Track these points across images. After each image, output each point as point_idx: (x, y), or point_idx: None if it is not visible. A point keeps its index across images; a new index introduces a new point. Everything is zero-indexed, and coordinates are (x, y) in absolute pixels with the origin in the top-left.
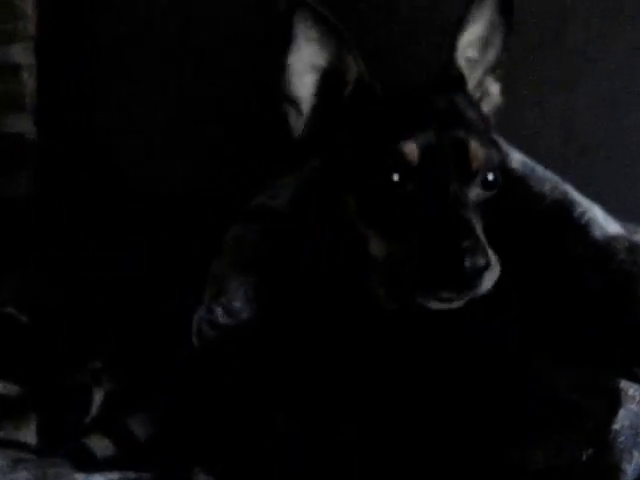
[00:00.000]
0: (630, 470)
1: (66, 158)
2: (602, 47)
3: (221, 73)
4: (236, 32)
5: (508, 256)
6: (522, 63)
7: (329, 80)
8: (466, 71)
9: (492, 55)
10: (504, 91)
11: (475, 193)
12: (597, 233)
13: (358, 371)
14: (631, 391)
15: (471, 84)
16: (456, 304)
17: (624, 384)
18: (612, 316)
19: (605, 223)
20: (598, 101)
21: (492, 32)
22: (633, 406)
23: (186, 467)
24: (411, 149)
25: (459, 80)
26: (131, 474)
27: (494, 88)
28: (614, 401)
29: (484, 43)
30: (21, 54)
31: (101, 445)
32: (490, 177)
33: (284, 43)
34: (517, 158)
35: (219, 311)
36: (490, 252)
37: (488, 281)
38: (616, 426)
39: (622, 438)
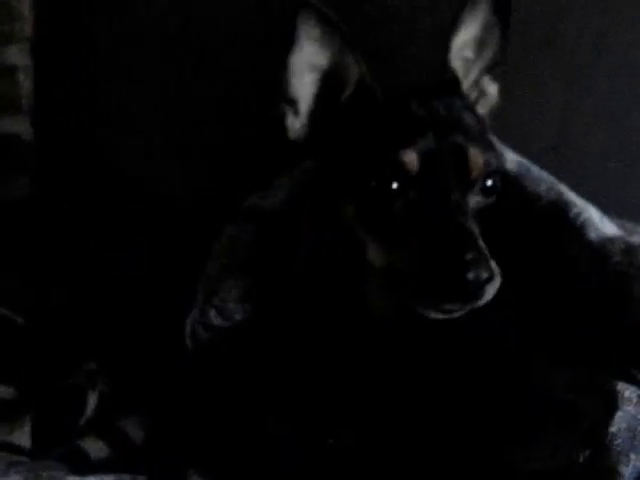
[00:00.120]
0: (628, 473)
1: (63, 159)
2: (599, 47)
3: (221, 73)
4: (236, 32)
5: (504, 257)
6: (518, 63)
7: (329, 81)
8: (462, 71)
9: (488, 55)
10: (501, 91)
11: (475, 200)
12: (592, 234)
13: (353, 372)
14: (627, 393)
15: (468, 84)
16: (457, 314)
17: (621, 386)
18: (608, 317)
19: (601, 224)
20: (595, 101)
21: (488, 32)
22: (630, 408)
23: (180, 469)
24: (411, 158)
25: (454, 83)
26: (125, 476)
27: (492, 88)
28: (610, 403)
29: (480, 43)
30: (17, 55)
31: (95, 447)
32: (489, 183)
33: (286, 43)
34: (512, 158)
35: (212, 312)
36: (492, 263)
37: (490, 292)
38: (613, 428)
39: (619, 440)
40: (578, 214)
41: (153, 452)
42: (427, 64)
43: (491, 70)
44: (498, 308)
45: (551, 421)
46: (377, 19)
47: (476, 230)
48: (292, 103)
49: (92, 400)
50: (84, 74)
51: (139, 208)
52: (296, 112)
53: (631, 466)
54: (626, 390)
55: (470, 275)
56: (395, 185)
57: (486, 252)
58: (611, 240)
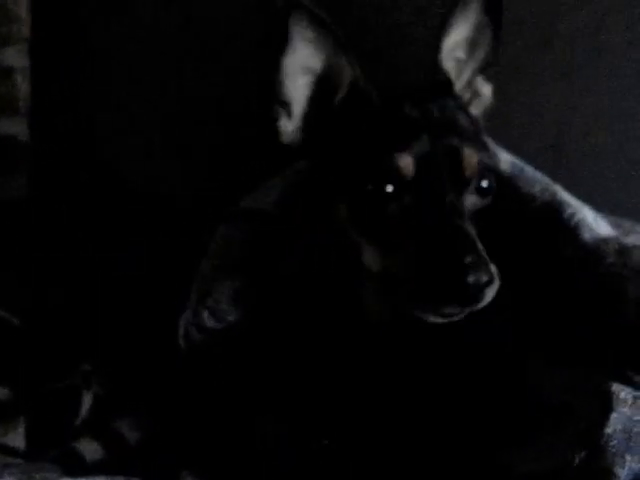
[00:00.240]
0: (623, 475)
1: (60, 160)
2: (597, 47)
3: (221, 73)
4: (236, 32)
5: (500, 258)
6: (516, 63)
7: (322, 83)
8: (454, 72)
9: (481, 55)
10: (496, 92)
11: (471, 202)
12: (587, 235)
13: (348, 374)
14: (623, 394)
15: (461, 85)
16: (456, 318)
17: (616, 387)
18: (603, 318)
19: (595, 224)
20: (593, 101)
21: (479, 33)
22: (625, 409)
23: (175, 470)
24: (406, 162)
25: (447, 84)
26: (120, 478)
27: (485, 89)
28: (606, 404)
29: (471, 44)
30: (15, 57)
31: (90, 448)
32: (484, 184)
33: (279, 44)
34: (506, 159)
35: (205, 314)
36: (491, 266)
37: (489, 295)
38: (608, 430)
39: (614, 442)
40: (572, 215)
41: (148, 453)
42: (426, 65)
43: (484, 71)
44: (495, 310)
45: (546, 422)
46: (378, 19)
47: (473, 232)
48: (285, 105)
49: (87, 401)
50: (83, 74)
51: (139, 208)
52: (289, 115)
53: (627, 468)
54: (621, 391)
55: (470, 279)
56: (390, 189)
57: (485, 255)
58: (605, 241)
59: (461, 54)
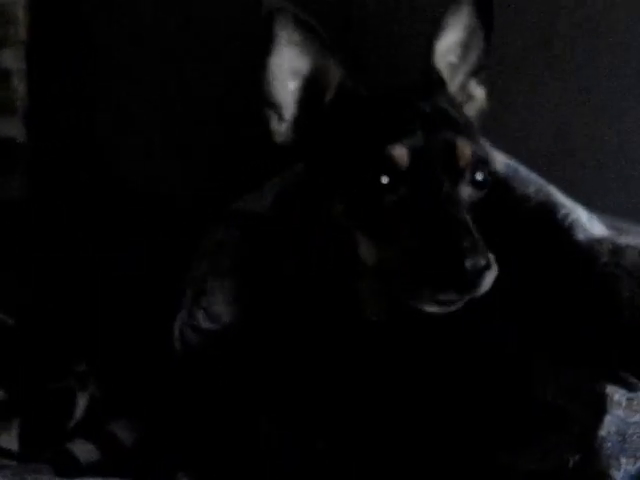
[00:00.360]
0: (619, 477)
1: (58, 161)
2: (596, 48)
3: (221, 73)
4: (236, 32)
5: (495, 256)
6: (514, 64)
7: (311, 85)
8: (448, 76)
9: (473, 59)
10: (490, 94)
11: (467, 193)
12: (580, 235)
13: (346, 374)
14: (617, 397)
15: (454, 88)
16: (454, 307)
17: (610, 389)
18: (598, 318)
19: (589, 225)
20: (592, 102)
21: (471, 36)
22: (619, 412)
23: (170, 472)
24: (401, 153)
25: (439, 83)
26: None
27: (478, 92)
28: (600, 407)
29: (464, 47)
30: (12, 59)
31: (85, 450)
32: (479, 177)
33: (266, 47)
34: (500, 160)
35: (201, 315)
36: (488, 252)
37: (488, 281)
38: (602, 432)
39: (609, 444)
40: (566, 215)
41: (143, 455)
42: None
43: (477, 74)
44: (496, 308)
45: (540, 424)
46: (378, 19)
47: (470, 221)
48: (275, 107)
49: (82, 402)
50: (83, 75)
51: (139, 208)
52: (280, 116)
53: (622, 470)
54: (615, 393)
55: (467, 263)
56: (385, 180)
57: (482, 241)
58: (599, 241)
59: (453, 58)
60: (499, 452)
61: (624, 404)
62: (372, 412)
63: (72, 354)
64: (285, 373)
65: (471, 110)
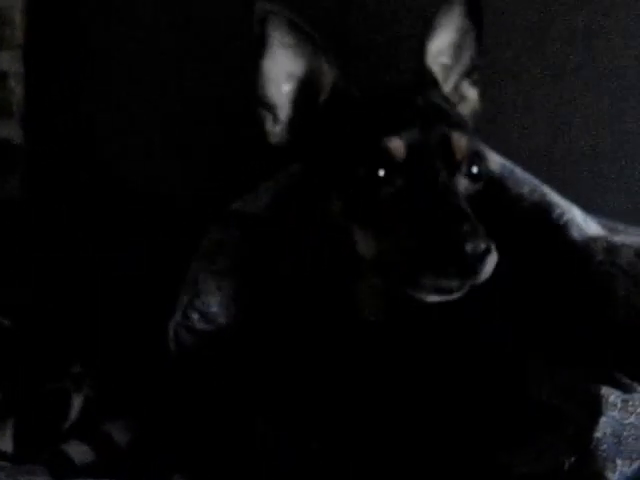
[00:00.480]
0: (615, 479)
1: (56, 162)
2: (589, 49)
3: (221, 73)
4: (236, 32)
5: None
6: (509, 66)
7: (305, 87)
8: (441, 76)
9: (466, 60)
10: (484, 95)
11: (463, 185)
12: (575, 234)
13: (342, 375)
14: (612, 398)
15: (447, 89)
16: (455, 295)
17: (605, 391)
18: (592, 317)
19: (584, 224)
20: (586, 103)
21: (463, 37)
22: (615, 413)
23: (165, 473)
24: (397, 145)
25: (433, 83)
26: None
27: (471, 93)
28: (595, 408)
29: (456, 48)
30: (9, 61)
31: (80, 451)
32: (475, 170)
33: (259, 50)
34: (495, 160)
35: (196, 316)
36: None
37: (489, 267)
38: (598, 434)
39: (604, 446)
40: (561, 214)
41: (138, 456)
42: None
43: (469, 75)
44: (494, 308)
45: (535, 425)
46: (380, 19)
47: (468, 208)
48: (270, 108)
49: (77, 403)
50: (82, 75)
51: (139, 208)
52: (275, 118)
53: (618, 472)
54: (611, 395)
55: (468, 246)
56: (382, 172)
57: (482, 227)
58: (594, 239)
59: (446, 60)
60: (498, 452)
61: (619, 405)
62: (369, 412)
63: (67, 355)
64: (281, 373)
65: (464, 110)
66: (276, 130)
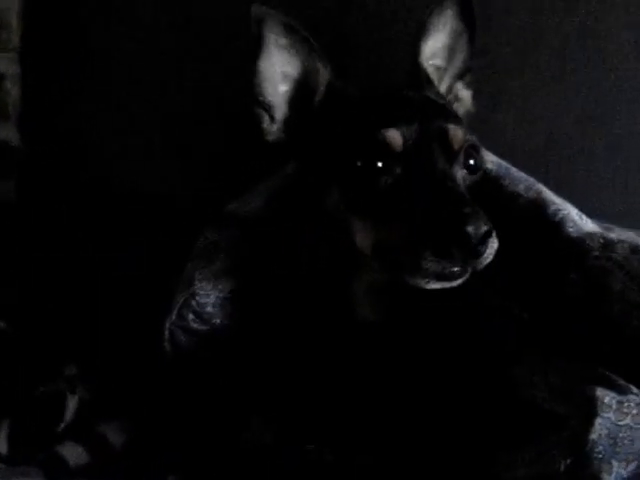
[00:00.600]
0: None
1: (51, 164)
2: (584, 51)
3: (221, 73)
4: (236, 32)
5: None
6: (505, 68)
7: (301, 87)
8: (434, 78)
9: (459, 62)
10: (477, 97)
11: (461, 175)
12: (571, 230)
13: (338, 377)
14: (607, 399)
15: (441, 90)
16: (455, 282)
17: (600, 392)
18: (588, 313)
19: (580, 220)
20: (582, 105)
21: (456, 39)
22: (610, 414)
23: (160, 474)
24: (394, 136)
25: (427, 80)
26: None
27: (465, 94)
28: (590, 410)
29: (450, 50)
30: (5, 64)
31: (74, 453)
32: (471, 162)
33: (255, 50)
34: (491, 159)
35: (191, 316)
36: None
37: (490, 251)
38: (593, 436)
39: (600, 448)
40: (557, 211)
41: (133, 458)
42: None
43: (463, 77)
44: (494, 307)
45: (531, 428)
46: (379, 19)
47: (467, 194)
48: (266, 107)
49: (72, 405)
50: (82, 75)
51: (139, 208)
52: (271, 117)
53: (614, 473)
54: (606, 396)
55: (469, 228)
56: (380, 164)
57: (482, 211)
58: (590, 235)
59: (440, 62)
60: (495, 453)
61: (615, 407)
62: (366, 411)
63: (62, 357)
64: (277, 374)
65: (458, 112)
66: (273, 129)
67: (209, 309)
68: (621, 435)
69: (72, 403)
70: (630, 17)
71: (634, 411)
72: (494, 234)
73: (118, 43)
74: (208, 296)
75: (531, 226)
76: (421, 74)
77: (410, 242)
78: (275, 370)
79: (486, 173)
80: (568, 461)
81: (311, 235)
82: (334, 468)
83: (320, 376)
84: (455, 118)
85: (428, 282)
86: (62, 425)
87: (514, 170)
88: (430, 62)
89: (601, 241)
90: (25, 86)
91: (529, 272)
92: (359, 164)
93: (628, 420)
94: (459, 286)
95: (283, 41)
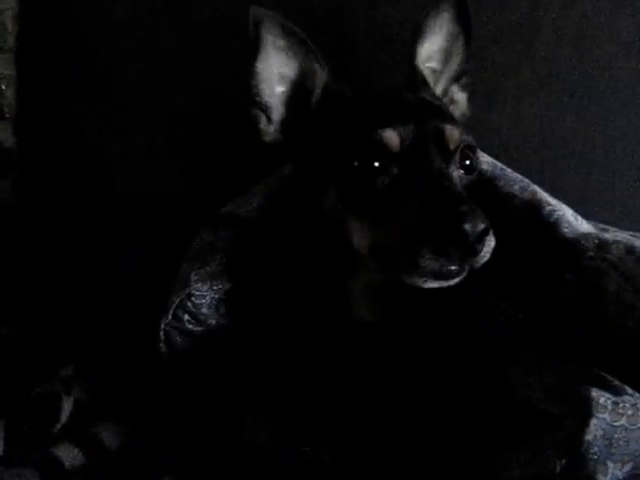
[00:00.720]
0: None
1: (46, 165)
2: (578, 53)
3: (221, 73)
4: (236, 32)
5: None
6: (500, 71)
7: (298, 88)
8: (430, 80)
9: (455, 64)
10: (473, 99)
11: (457, 175)
12: (566, 230)
13: (334, 378)
14: (602, 400)
15: (437, 93)
16: (453, 281)
17: (595, 393)
18: (583, 313)
19: (575, 221)
20: (576, 107)
21: (452, 42)
22: (605, 415)
23: (156, 476)
24: (391, 136)
25: (423, 82)
26: None
27: (460, 97)
28: (585, 411)
29: (446, 53)
30: (1, 65)
31: (70, 455)
32: (467, 162)
33: (252, 52)
34: (486, 160)
35: (186, 317)
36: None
37: (487, 249)
38: (588, 436)
39: (595, 449)
40: (552, 211)
41: (129, 459)
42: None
43: (458, 80)
44: (492, 306)
45: (526, 428)
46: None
47: (464, 193)
48: (264, 108)
49: (67, 406)
50: (83, 76)
51: (139, 208)
52: (268, 118)
53: (609, 474)
54: (601, 397)
55: (467, 225)
56: (377, 164)
57: (479, 209)
58: (585, 236)
59: (436, 64)
60: (493, 454)
61: (610, 408)
62: (363, 412)
63: (58, 358)
64: (274, 375)
65: (454, 114)
66: (270, 130)
67: (205, 310)
68: (616, 436)
69: (68, 404)
70: (625, 18)
71: (629, 412)
72: (491, 232)
73: (119, 43)
74: (204, 297)
75: (526, 227)
76: (417, 76)
77: (407, 241)
78: (271, 371)
79: (481, 174)
80: (563, 462)
81: (308, 236)
82: (331, 469)
83: (317, 377)
84: (451, 119)
85: (426, 281)
86: (58, 426)
87: (509, 171)
88: (426, 65)
89: (596, 242)
90: (20, 87)
91: (524, 273)
92: (356, 164)
93: (623, 421)
94: (456, 286)
95: (281, 42)
